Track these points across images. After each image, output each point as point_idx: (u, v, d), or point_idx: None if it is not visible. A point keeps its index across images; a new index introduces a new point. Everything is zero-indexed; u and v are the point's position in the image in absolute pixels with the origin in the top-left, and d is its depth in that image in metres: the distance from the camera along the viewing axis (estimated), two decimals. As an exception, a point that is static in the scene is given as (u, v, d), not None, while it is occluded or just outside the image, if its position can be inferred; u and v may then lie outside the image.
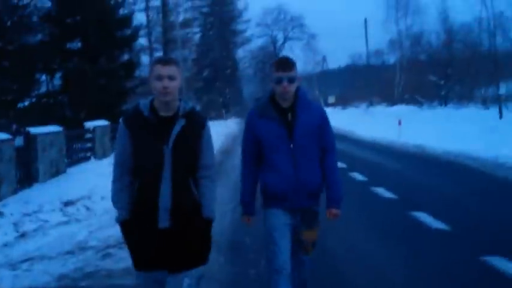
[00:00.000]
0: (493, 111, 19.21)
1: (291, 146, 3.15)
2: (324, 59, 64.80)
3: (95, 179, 9.59)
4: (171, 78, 2.68)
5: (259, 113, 3.22)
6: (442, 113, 23.91)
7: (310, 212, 3.27)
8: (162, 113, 2.74)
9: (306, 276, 3.40)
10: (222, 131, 25.06)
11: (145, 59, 38.09)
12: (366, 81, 45.57)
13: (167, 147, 2.69)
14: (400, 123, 20.50)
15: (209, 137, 2.88)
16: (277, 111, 3.17)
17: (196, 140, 2.79)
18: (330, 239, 5.31)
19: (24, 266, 5.27)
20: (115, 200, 2.82)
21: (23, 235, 6.39)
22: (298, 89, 3.20)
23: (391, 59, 49.73)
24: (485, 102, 22.81)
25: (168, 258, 2.78)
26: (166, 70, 2.68)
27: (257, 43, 59.85)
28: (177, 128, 2.72)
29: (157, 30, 39.82)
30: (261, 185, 3.29)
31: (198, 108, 2.74)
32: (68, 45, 21.73)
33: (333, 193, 3.26)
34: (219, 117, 42.84)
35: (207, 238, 2.85)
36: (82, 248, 5.82)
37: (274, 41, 61.27)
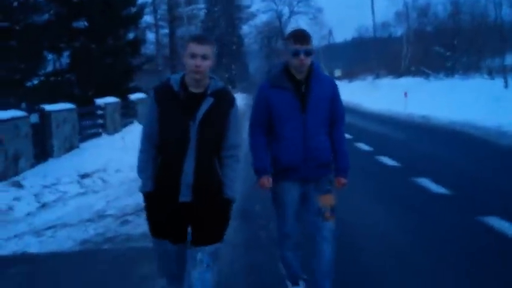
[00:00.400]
0: (499, 81, 19.20)
1: (303, 117, 3.15)
2: (330, 32, 64.35)
3: (108, 153, 9.91)
4: (204, 57, 2.68)
5: (272, 84, 3.21)
6: (448, 84, 23.89)
7: (323, 179, 3.28)
8: (192, 89, 2.75)
9: (333, 249, 3.26)
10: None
11: (151, 36, 38.25)
12: (372, 54, 45.37)
13: (193, 123, 2.70)
14: (406, 95, 20.63)
15: (237, 117, 2.86)
16: (291, 82, 3.18)
17: (223, 119, 2.78)
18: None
19: (48, 233, 5.61)
20: (140, 170, 2.86)
21: (44, 205, 6.74)
22: (312, 62, 3.20)
23: (398, 31, 49.36)
24: (491, 73, 22.70)
25: (185, 232, 2.83)
26: (200, 49, 2.67)
27: (262, 18, 59.57)
28: (204, 106, 2.72)
29: (163, 7, 39.81)
30: (272, 158, 3.28)
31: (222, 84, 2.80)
32: (74, 24, 21.87)
33: (341, 163, 3.30)
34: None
35: (226, 217, 2.88)
36: (101, 216, 6.16)
37: (279, 16, 60.81)
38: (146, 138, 2.84)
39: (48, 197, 6.99)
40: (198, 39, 2.72)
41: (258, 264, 4.24)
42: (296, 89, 3.16)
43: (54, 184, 7.54)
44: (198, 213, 2.78)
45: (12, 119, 8.62)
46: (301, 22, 59.46)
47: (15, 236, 5.54)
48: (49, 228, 5.78)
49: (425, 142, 11.31)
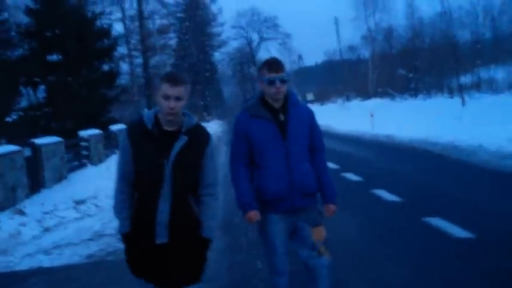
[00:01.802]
0: (457, 100, 20.70)
1: (285, 145, 3.13)
2: (300, 57, 66.23)
3: (96, 182, 10.71)
4: (178, 98, 2.65)
5: (250, 114, 3.18)
6: (411, 104, 25.46)
7: (311, 210, 3.24)
8: (166, 127, 2.72)
9: (328, 283, 3.25)
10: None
11: (125, 66, 39.06)
12: (341, 77, 47.15)
13: (167, 162, 2.66)
14: (372, 115, 21.93)
15: (213, 154, 2.82)
16: (268, 111, 3.16)
17: (198, 158, 2.74)
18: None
19: (56, 251, 6.44)
20: (117, 211, 2.82)
21: (47, 229, 7.55)
22: (287, 90, 3.21)
23: (366, 53, 51.47)
24: (451, 92, 24.28)
25: (164, 273, 2.76)
26: (174, 91, 2.64)
27: (233, 45, 61.09)
28: (178, 145, 2.68)
29: (135, 38, 40.78)
30: (256, 190, 3.21)
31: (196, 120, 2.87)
32: (49, 58, 22.52)
33: (328, 190, 3.30)
34: (201, 119, 43.90)
35: (203, 257, 2.83)
36: (100, 235, 7.00)
37: (249, 42, 62.48)
38: (121, 178, 2.79)
39: (50, 222, 7.81)
40: (172, 81, 2.66)
41: (239, 263, 5.16)
42: (274, 117, 3.15)
43: (52, 210, 8.36)
44: (175, 253, 2.73)
45: (9, 153, 9.44)
46: (271, 48, 61.21)
47: (28, 255, 6.37)
48: (55, 247, 6.61)
49: (386, 159, 12.47)
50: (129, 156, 2.72)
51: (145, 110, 2.86)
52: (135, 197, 2.74)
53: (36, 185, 10.60)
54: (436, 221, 6.03)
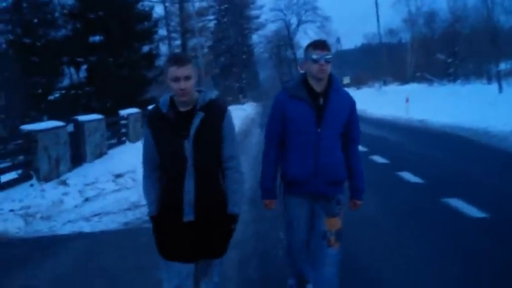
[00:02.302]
0: (495, 86, 20.38)
1: (318, 130, 3.08)
2: (338, 40, 65.57)
3: (134, 158, 11.21)
4: (187, 78, 2.66)
5: (290, 94, 3.14)
6: (449, 89, 25.14)
7: (331, 199, 3.20)
8: (182, 108, 2.75)
9: (333, 275, 3.23)
10: (240, 115, 26.60)
11: (164, 48, 39.71)
12: (380, 61, 46.62)
13: (188, 141, 2.69)
14: (407, 100, 21.83)
15: (231, 127, 2.82)
16: (309, 93, 3.10)
17: (216, 132, 2.76)
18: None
19: (95, 219, 6.96)
20: (145, 195, 2.90)
21: (87, 199, 8.10)
22: (331, 75, 3.13)
23: (406, 37, 50.65)
24: (490, 78, 23.84)
25: (193, 250, 2.82)
26: (181, 71, 2.65)
27: (271, 28, 60.89)
28: (195, 122, 2.70)
29: (175, 20, 41.44)
30: (282, 169, 3.25)
31: (215, 94, 2.85)
32: (91, 39, 23.24)
33: (358, 183, 3.28)
34: (236, 101, 44.34)
35: (229, 233, 2.88)
36: (136, 206, 7.49)
37: (288, 25, 62.17)
38: (146, 163, 2.87)
39: (90, 193, 8.35)
40: (178, 62, 2.67)
41: (263, 233, 5.53)
42: (314, 101, 3.09)
43: (93, 183, 8.91)
44: (201, 230, 2.79)
45: (54, 128, 10.04)
46: (309, 31, 60.85)
47: (69, 221, 6.91)
48: (95, 215, 7.13)
49: (416, 143, 12.56)
50: (151, 141, 2.78)
51: (162, 96, 2.84)
52: (164, 180, 2.80)
53: (78, 159, 11.22)
54: (455, 202, 6.25)
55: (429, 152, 10.82)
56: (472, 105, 17.59)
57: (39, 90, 22.60)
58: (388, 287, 3.95)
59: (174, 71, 2.65)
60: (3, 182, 8.24)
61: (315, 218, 3.22)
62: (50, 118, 15.54)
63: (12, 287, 4.61)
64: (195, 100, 2.76)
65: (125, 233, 6.16)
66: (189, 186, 2.71)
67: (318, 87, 3.10)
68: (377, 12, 44.50)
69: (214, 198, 2.79)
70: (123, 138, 15.06)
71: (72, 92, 23.30)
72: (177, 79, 2.65)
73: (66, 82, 24.35)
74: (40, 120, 19.13)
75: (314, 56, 3.04)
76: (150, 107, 2.98)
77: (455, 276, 4.01)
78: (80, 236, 6.19)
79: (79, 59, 23.20)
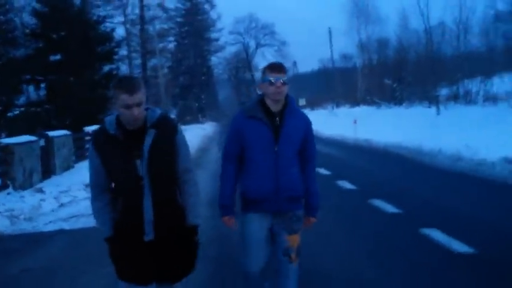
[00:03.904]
0: (434, 109, 22.33)
1: (276, 149, 3.14)
2: (295, 63, 67.84)
3: (101, 170, 12.20)
4: (139, 105, 2.56)
5: (247, 115, 3.21)
6: (394, 112, 27.15)
7: (291, 216, 3.25)
8: (130, 127, 2.64)
9: (295, 284, 3.34)
10: (200, 133, 27.73)
11: (124, 68, 40.45)
12: (332, 85, 48.88)
13: (141, 161, 2.62)
14: (355, 122, 23.52)
15: (183, 141, 2.79)
16: (265, 113, 3.18)
17: (170, 148, 2.70)
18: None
19: (73, 220, 7.91)
20: (96, 218, 2.81)
21: (62, 204, 9.03)
22: (287, 96, 3.22)
23: (360, 61, 53.28)
24: (430, 102, 25.92)
25: (156, 271, 2.75)
26: (133, 99, 2.54)
27: (230, 50, 62.53)
28: (148, 140, 2.63)
29: (136, 40, 42.32)
30: (242, 188, 3.27)
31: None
32: (52, 58, 23.71)
33: (312, 202, 3.33)
34: (195, 121, 45.34)
35: (194, 245, 2.83)
36: (108, 209, 8.47)
37: (246, 48, 64.00)
38: (95, 187, 2.79)
39: (65, 199, 9.29)
40: (130, 91, 2.54)
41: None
42: (270, 120, 3.17)
43: (66, 191, 9.84)
44: (165, 248, 2.73)
45: (28, 142, 10.93)
46: (267, 54, 62.73)
47: (50, 222, 7.86)
48: (72, 217, 8.09)
49: (355, 158, 14.13)
50: (99, 163, 2.68)
51: (108, 116, 2.77)
52: (120, 201, 2.72)
53: (47, 171, 12.08)
54: (380, 203, 7.60)
55: (365, 165, 12.44)
56: (411, 127, 19.34)
57: (-1, 107, 22.86)
58: None
59: (125, 99, 2.53)
60: (-15, 189, 9.10)
61: (276, 236, 3.27)
62: (8, 135, 16.04)
63: (12, 272, 5.51)
64: (143, 118, 2.65)
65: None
66: (147, 205, 2.65)
67: (275, 108, 3.19)
68: (330, 39, 46.98)
69: (174, 214, 2.74)
70: (88, 153, 15.90)
71: (32, 109, 23.52)
72: (129, 106, 2.54)
73: (23, 100, 24.61)
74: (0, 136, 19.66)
75: (271, 79, 3.13)
76: (94, 129, 2.68)
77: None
78: (62, 232, 7.17)
79: (39, 78, 23.45)
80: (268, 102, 3.21)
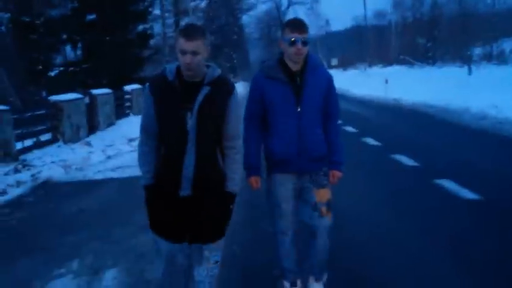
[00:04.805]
0: (466, 69, 22.31)
1: (298, 109, 3.09)
2: (327, 22, 67.03)
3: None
4: (194, 53, 2.55)
5: (267, 74, 3.14)
6: (426, 72, 27.07)
7: (317, 173, 3.21)
8: (188, 79, 2.65)
9: (326, 245, 3.27)
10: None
11: (157, 27, 41.01)
12: (366, 44, 48.41)
13: (191, 114, 2.61)
14: (387, 81, 23.70)
15: (236, 105, 2.74)
16: (286, 73, 3.10)
17: (222, 109, 2.67)
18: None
19: (119, 170, 8.74)
20: (140, 163, 2.79)
21: (109, 157, 9.90)
22: (308, 54, 3.12)
23: (394, 19, 52.26)
24: (463, 62, 25.76)
25: (187, 228, 2.76)
26: (190, 45, 2.54)
27: (262, 8, 62.01)
28: (201, 95, 2.62)
29: (169, 0, 42.66)
30: (265, 150, 3.23)
31: (220, 71, 2.82)
32: (88, 17, 24.39)
33: (336, 156, 3.25)
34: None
35: (228, 212, 2.81)
36: (150, 161, 9.30)
37: (278, 6, 63.30)
38: (144, 131, 2.77)
39: (110, 152, 10.16)
40: (187, 35, 2.56)
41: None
42: (291, 80, 3.09)
43: (111, 145, 10.72)
44: (199, 208, 2.73)
45: (75, 99, 11.78)
46: (299, 12, 62.06)
47: (98, 171, 8.71)
48: (118, 168, 8.94)
49: (385, 117, 14.58)
50: (152, 109, 2.67)
51: (168, 64, 2.79)
52: (162, 150, 2.70)
53: (92, 127, 12.97)
54: (402, 158, 8.16)
55: (392, 123, 13.06)
56: (441, 86, 19.53)
57: (39, 67, 23.84)
58: (378, 262, 4.05)
59: (182, 43, 2.55)
60: (40, 142, 10.03)
61: (304, 193, 3.22)
62: (48, 93, 16.93)
63: (71, 211, 6.37)
64: (203, 74, 2.67)
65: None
66: (189, 160, 2.63)
67: (295, 67, 3.11)
68: (364, -4, 46.10)
69: (213, 175, 2.72)
70: (128, 111, 16.80)
71: (70, 69, 24.40)
72: (184, 52, 2.55)
73: (60, 59, 25.50)
74: (40, 96, 20.69)
75: (291, 38, 3.02)
76: (152, 76, 2.82)
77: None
78: (111, 180, 8.02)
79: (75, 37, 24.15)
80: (288, 61, 3.13)
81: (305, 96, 3.09)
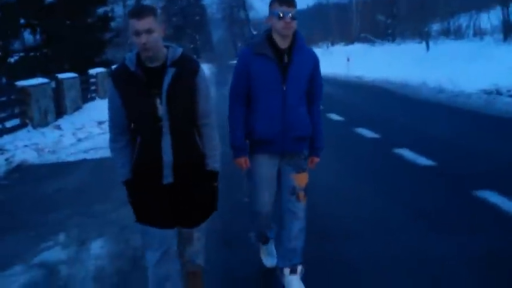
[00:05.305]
0: (424, 45, 23.00)
1: (284, 88, 3.04)
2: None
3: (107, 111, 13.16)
4: (149, 31, 2.47)
5: (254, 51, 3.08)
6: (386, 49, 27.78)
7: (298, 155, 3.19)
8: (150, 65, 2.58)
9: (303, 227, 3.26)
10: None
11: (118, 9, 40.43)
12: (328, 22, 48.95)
13: (160, 99, 2.55)
14: (348, 60, 24.30)
15: (204, 82, 2.69)
16: (273, 50, 3.05)
17: (190, 88, 2.62)
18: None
19: (92, 152, 8.93)
20: (115, 160, 2.73)
21: (80, 140, 10.05)
22: (295, 32, 3.07)
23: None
24: (421, 38, 26.50)
25: (175, 214, 2.73)
26: (142, 24, 2.46)
27: (224, -12, 61.65)
28: (167, 79, 2.56)
29: (128, -19, 42.01)
30: (249, 128, 3.16)
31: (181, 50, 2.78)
32: (47, 1, 23.89)
33: (317, 142, 3.24)
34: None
35: (214, 190, 2.78)
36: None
37: (240, -14, 63.13)
38: (113, 126, 2.70)
39: (81, 135, 10.31)
40: (137, 15, 2.48)
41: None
42: (278, 58, 3.05)
43: (81, 128, 10.86)
44: (184, 192, 2.70)
45: (42, 84, 11.81)
46: (261, -8, 61.91)
47: (71, 153, 8.89)
48: (91, 149, 9.12)
49: (347, 94, 15.13)
50: (119, 102, 2.60)
51: (128, 53, 2.70)
52: (138, 141, 2.63)
53: (59, 111, 13.02)
54: (363, 131, 8.64)
55: (354, 99, 13.72)
56: (400, 63, 20.18)
57: (-1, 53, 23.32)
58: (341, 218, 4.57)
59: (134, 24, 2.48)
60: (9, 127, 10.09)
61: (282, 175, 3.22)
62: (8, 80, 16.64)
63: (47, 191, 6.57)
64: (164, 56, 2.60)
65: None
66: (166, 146, 2.59)
67: (283, 44, 3.05)
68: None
69: (193, 157, 2.69)
70: (94, 95, 16.81)
71: (30, 54, 23.93)
72: (137, 33, 2.47)
73: (18, 45, 24.97)
74: (0, 82, 20.31)
75: (279, 12, 2.96)
76: (114, 66, 2.54)
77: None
78: (84, 161, 8.22)
79: (34, 22, 23.69)
80: (276, 38, 3.05)
81: (291, 74, 3.05)
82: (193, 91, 2.63)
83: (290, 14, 2.94)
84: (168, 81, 2.55)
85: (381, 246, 3.92)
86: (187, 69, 2.62)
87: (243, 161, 3.18)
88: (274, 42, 3.05)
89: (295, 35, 3.07)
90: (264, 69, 3.04)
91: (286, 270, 3.26)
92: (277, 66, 3.03)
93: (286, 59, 3.05)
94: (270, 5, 3.06)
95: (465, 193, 4.99)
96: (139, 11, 2.50)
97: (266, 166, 3.17)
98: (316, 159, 3.30)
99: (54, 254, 4.25)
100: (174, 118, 2.57)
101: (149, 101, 2.54)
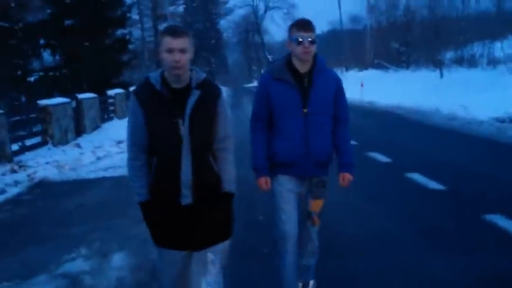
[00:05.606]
0: (438, 73, 23.20)
1: (304, 112, 3.05)
2: (304, 27, 67.76)
3: (125, 130, 13.47)
4: (183, 51, 2.51)
5: (274, 76, 3.11)
6: (400, 75, 28.03)
7: (318, 181, 3.22)
8: (174, 85, 2.60)
9: (316, 247, 3.37)
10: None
11: (136, 32, 41.30)
12: (342, 48, 49.32)
13: (183, 121, 2.57)
14: (362, 85, 24.53)
15: (225, 106, 2.73)
16: (293, 75, 3.07)
17: (212, 111, 2.65)
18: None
19: (111, 170, 9.19)
20: (132, 180, 2.71)
21: (99, 158, 10.33)
22: (315, 55, 3.09)
23: (369, 23, 53.32)
24: (435, 66, 26.69)
25: (191, 235, 2.72)
26: (177, 43, 2.50)
27: (239, 13, 62.62)
28: (191, 100, 2.58)
29: (146, 4, 43.01)
30: (271, 152, 3.19)
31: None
32: (67, 23, 24.55)
33: (346, 159, 3.22)
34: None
35: (229, 212, 2.79)
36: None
37: (255, 11, 64.00)
38: (134, 144, 2.68)
39: (100, 154, 10.60)
40: (174, 33, 2.52)
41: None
42: (298, 82, 3.06)
43: (100, 146, 11.16)
44: (200, 214, 2.70)
45: (63, 103, 12.18)
46: (276, 17, 62.86)
47: (91, 171, 9.15)
48: (109, 168, 9.38)
49: (360, 118, 15.24)
50: (141, 119, 2.59)
51: (151, 73, 2.71)
52: (154, 162, 2.64)
53: (79, 130, 13.38)
54: (376, 155, 8.80)
55: (366, 123, 13.73)
56: (413, 89, 20.34)
57: (19, 72, 23.91)
58: (350, 235, 4.83)
59: (168, 41, 2.51)
60: (30, 145, 10.42)
61: (300, 198, 3.26)
62: (27, 99, 17.01)
63: (69, 207, 6.80)
64: (189, 78, 2.63)
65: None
66: (186, 167, 2.60)
67: (303, 69, 3.07)
68: (339, 0, 47.06)
69: (210, 178, 2.70)
70: (112, 115, 17.18)
71: (50, 74, 24.49)
72: (171, 50, 2.50)
73: (37, 65, 25.51)
74: (19, 101, 20.75)
75: (298, 38, 3.00)
76: (131, 88, 2.51)
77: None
78: (104, 179, 8.48)
79: (54, 43, 24.09)
80: (296, 62, 3.09)
81: (312, 98, 3.06)
82: (214, 115, 2.66)
83: (308, 39, 2.98)
84: (192, 102, 2.58)
85: (389, 263, 4.09)
86: (210, 92, 2.66)
87: (264, 182, 3.20)
88: (294, 67, 3.09)
89: (315, 58, 3.10)
90: (283, 93, 3.06)
91: (299, 285, 3.44)
92: (298, 90, 3.05)
93: (306, 83, 3.07)
94: (289, 30, 3.11)
95: (474, 216, 5.14)
96: (176, 30, 2.55)
97: (288, 186, 3.19)
98: (349, 176, 3.25)
99: (76, 265, 4.45)
100: (194, 139, 2.59)
101: (172, 120, 2.56)
